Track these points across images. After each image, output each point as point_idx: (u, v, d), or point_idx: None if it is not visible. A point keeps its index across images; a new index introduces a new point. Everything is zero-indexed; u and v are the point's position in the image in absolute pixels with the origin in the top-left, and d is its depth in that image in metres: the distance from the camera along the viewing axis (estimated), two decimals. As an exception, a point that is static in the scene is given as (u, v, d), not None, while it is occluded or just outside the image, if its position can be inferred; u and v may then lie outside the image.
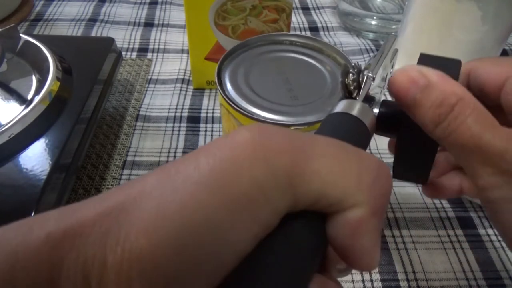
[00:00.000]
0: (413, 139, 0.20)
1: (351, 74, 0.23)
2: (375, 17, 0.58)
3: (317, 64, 0.34)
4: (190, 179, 0.12)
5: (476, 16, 0.41)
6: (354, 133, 0.18)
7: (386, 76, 0.27)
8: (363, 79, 0.23)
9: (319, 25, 0.62)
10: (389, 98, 0.23)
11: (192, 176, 0.12)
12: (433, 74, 0.18)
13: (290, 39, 0.36)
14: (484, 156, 0.17)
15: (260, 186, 0.12)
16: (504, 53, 0.55)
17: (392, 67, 0.28)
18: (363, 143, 0.18)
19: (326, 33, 0.60)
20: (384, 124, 0.21)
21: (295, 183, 0.13)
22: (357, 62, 0.25)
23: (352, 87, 0.23)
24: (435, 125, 0.18)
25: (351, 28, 0.60)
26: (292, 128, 0.29)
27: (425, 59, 0.20)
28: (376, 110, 0.22)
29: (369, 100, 0.22)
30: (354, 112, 0.18)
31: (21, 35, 0.38)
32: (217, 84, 0.31)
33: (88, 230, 0.11)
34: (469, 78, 0.22)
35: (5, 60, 0.35)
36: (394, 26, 0.57)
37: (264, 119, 0.29)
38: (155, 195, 0.12)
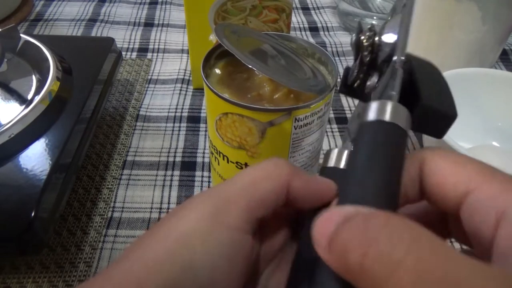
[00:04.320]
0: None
1: (366, 35, 0.21)
2: (375, 17, 0.58)
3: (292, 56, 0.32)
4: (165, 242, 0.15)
5: (476, 16, 0.41)
6: (391, 141, 0.16)
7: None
8: (378, 42, 0.20)
9: (319, 25, 0.62)
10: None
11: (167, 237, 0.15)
12: None
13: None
14: None
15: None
16: (504, 53, 0.55)
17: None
18: (402, 146, 0.17)
19: (326, 33, 0.60)
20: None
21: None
22: (372, 24, 0.22)
23: (365, 50, 0.20)
24: None
25: (351, 28, 0.60)
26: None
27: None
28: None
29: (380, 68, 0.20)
30: (387, 117, 0.16)
31: (21, 35, 0.38)
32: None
33: None
34: (421, 173, 0.17)
35: (5, 60, 0.35)
36: (394, 26, 0.57)
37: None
38: (142, 256, 0.14)
